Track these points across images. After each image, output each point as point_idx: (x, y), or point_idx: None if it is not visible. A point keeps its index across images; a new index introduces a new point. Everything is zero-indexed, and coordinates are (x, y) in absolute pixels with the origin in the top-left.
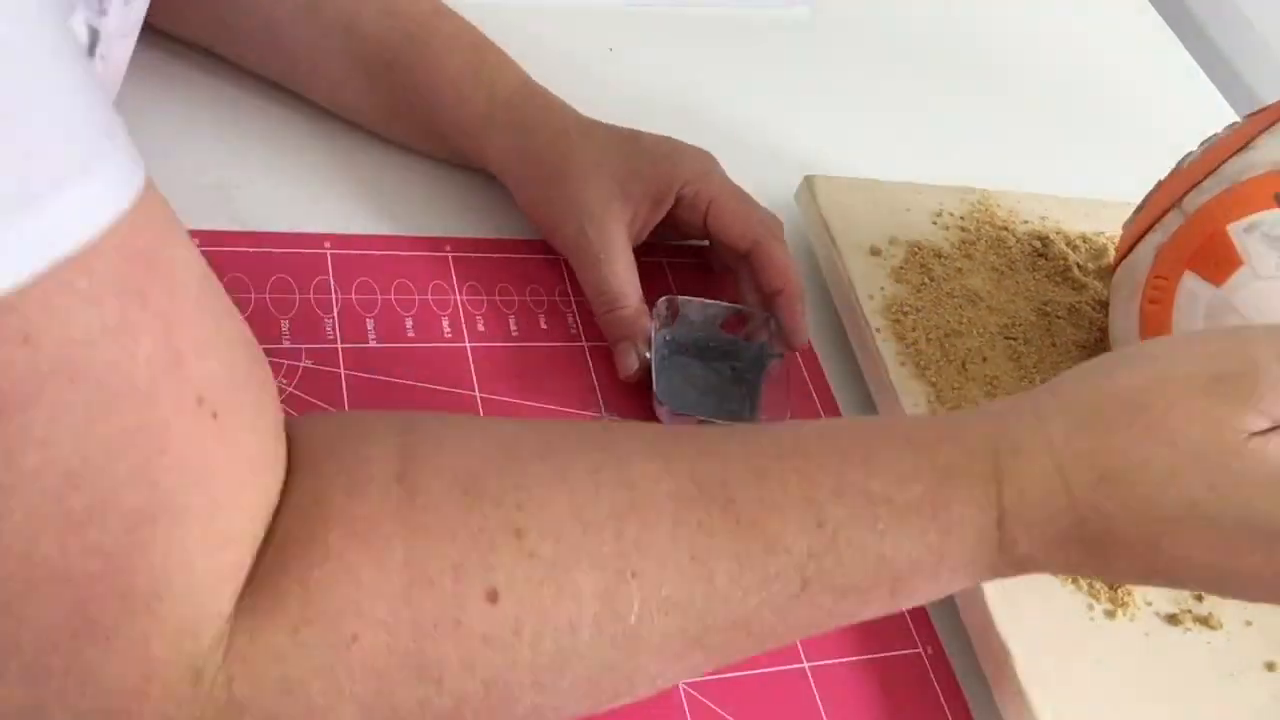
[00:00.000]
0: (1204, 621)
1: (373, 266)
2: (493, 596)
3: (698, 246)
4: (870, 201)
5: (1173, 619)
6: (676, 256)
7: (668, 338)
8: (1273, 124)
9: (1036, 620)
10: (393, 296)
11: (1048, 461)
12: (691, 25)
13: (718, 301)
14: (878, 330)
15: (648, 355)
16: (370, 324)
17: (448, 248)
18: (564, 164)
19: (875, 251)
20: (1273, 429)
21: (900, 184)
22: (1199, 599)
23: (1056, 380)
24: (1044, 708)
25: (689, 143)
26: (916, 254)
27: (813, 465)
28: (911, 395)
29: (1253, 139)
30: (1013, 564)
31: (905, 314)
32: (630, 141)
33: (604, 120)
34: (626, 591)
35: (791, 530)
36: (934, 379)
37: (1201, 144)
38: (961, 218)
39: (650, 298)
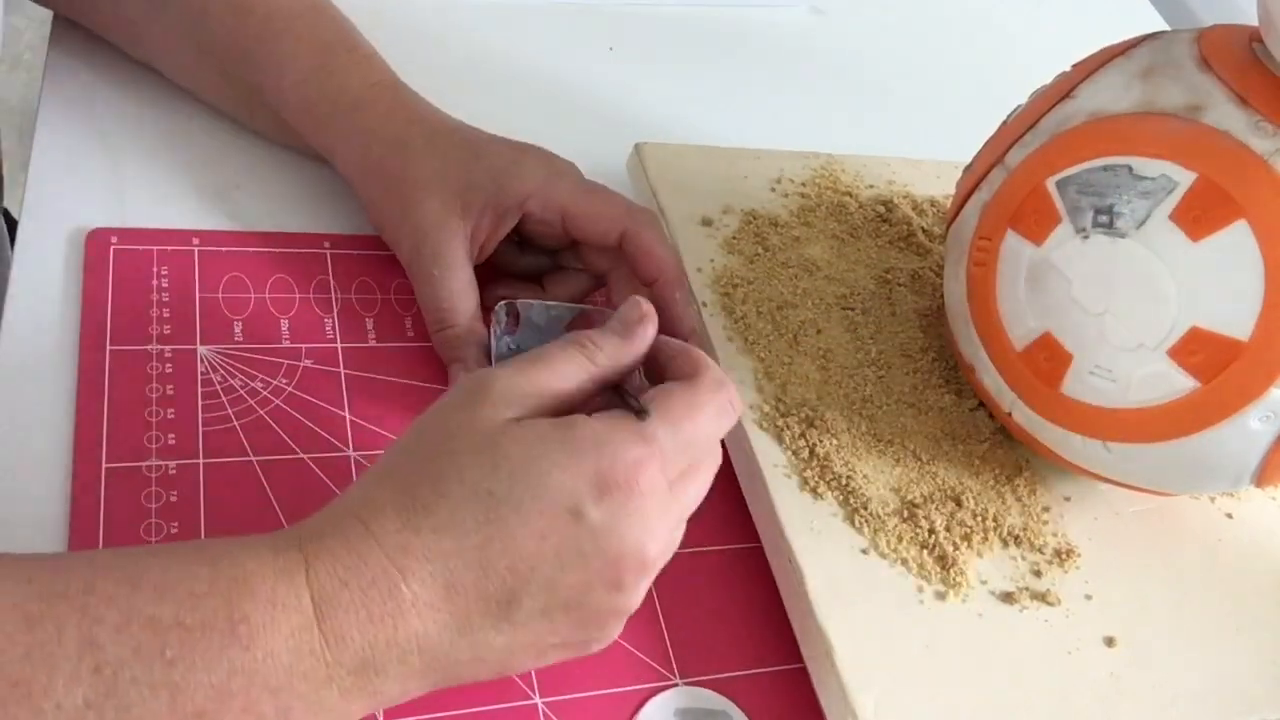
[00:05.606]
0: (1041, 598)
1: (372, 266)
2: None
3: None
4: (705, 169)
5: (1009, 597)
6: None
7: (511, 345)
8: (1093, 71)
9: (861, 608)
10: (391, 296)
11: (357, 527)
12: (691, 25)
13: (562, 302)
14: (704, 305)
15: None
16: (370, 324)
17: None
18: (402, 175)
19: (707, 222)
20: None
21: (739, 150)
22: (1036, 574)
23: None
24: (864, 698)
25: (554, 152)
26: (751, 223)
27: (99, 599)
28: (739, 371)
29: (1074, 88)
30: (357, 666)
31: (735, 286)
32: (472, 153)
33: (600, 120)
34: None
35: (62, 682)
36: (762, 354)
37: (1031, 95)
38: (802, 184)
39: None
